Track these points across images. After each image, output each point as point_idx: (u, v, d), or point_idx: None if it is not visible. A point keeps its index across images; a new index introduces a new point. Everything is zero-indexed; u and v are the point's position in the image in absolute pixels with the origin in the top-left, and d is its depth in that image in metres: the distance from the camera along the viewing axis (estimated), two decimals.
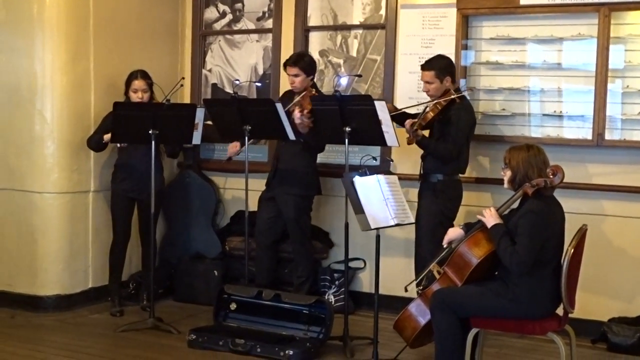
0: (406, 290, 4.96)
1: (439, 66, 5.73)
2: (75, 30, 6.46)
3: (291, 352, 5.30)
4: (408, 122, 5.64)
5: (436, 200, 5.78)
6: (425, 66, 5.77)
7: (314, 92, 6.05)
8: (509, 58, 6.19)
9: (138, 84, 6.35)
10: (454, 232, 4.74)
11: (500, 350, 5.63)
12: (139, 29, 7.02)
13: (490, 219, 4.50)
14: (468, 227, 4.69)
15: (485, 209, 4.58)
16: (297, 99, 6.03)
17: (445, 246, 4.73)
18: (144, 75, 6.40)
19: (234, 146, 6.38)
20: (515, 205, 4.56)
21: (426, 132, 5.81)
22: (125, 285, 6.82)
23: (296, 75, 6.13)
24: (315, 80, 6.34)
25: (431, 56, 5.86)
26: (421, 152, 5.85)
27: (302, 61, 6.16)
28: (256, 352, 5.40)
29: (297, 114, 5.86)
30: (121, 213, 6.51)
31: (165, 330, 5.95)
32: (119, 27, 6.79)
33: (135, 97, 6.33)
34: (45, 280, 6.45)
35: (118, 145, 6.38)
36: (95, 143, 6.36)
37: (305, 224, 6.45)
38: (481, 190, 6.22)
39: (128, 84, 6.39)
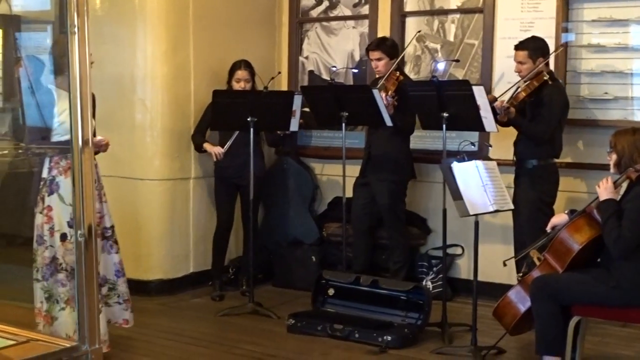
0: (505, 265, 4.94)
1: (532, 46, 5.66)
2: (175, 21, 6.58)
3: (389, 338, 5.31)
4: (498, 102, 5.59)
5: (533, 186, 5.70)
6: (519, 46, 5.71)
7: (398, 75, 6.06)
8: (611, 40, 6.03)
9: (241, 73, 6.45)
10: (558, 218, 4.67)
11: (603, 339, 5.52)
12: (237, 17, 7.11)
13: (604, 192, 4.39)
14: (573, 214, 4.61)
15: (603, 179, 4.47)
16: (381, 82, 6.04)
17: (549, 231, 4.66)
18: (247, 65, 6.50)
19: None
20: (623, 189, 4.46)
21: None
22: (225, 270, 6.94)
23: (379, 59, 6.16)
24: (411, 65, 6.31)
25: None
26: (514, 138, 5.79)
27: (384, 44, 6.18)
28: (354, 338, 5.43)
29: (382, 95, 5.88)
30: (224, 199, 6.64)
31: (264, 315, 6.04)
32: (217, 16, 6.90)
33: (237, 86, 6.44)
34: (149, 265, 6.61)
35: (222, 151, 6.47)
36: (196, 146, 6.55)
37: (400, 210, 6.44)
38: (573, 175, 6.10)
39: (231, 73, 6.50)
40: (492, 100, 5.70)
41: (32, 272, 4.87)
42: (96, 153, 4.86)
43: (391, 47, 6.21)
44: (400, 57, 6.29)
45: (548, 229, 4.68)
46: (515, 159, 5.85)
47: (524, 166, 5.77)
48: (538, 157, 5.70)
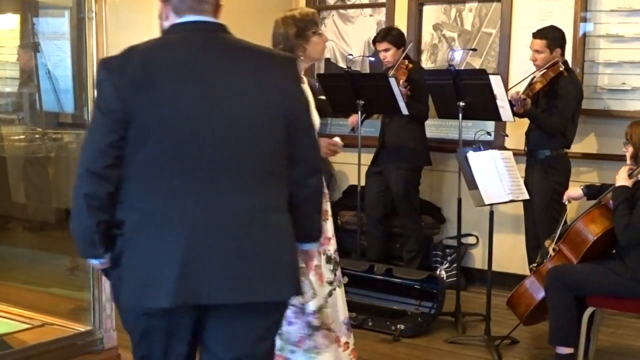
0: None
1: (551, 36, 5.62)
2: None
3: (403, 327, 5.32)
4: (513, 92, 5.57)
5: (546, 177, 5.67)
6: (537, 35, 5.65)
7: (407, 63, 6.06)
8: (631, 30, 5.98)
9: None
10: (574, 191, 4.72)
11: (617, 330, 5.50)
12: (253, 5, 7.09)
13: (619, 178, 4.40)
14: (589, 190, 4.64)
15: (622, 167, 4.48)
16: (391, 72, 6.04)
17: (565, 203, 4.79)
18: None
19: (353, 118, 6.37)
20: None
21: None
22: None
23: (386, 50, 6.16)
24: (428, 54, 6.28)
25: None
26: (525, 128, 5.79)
27: (390, 35, 6.18)
28: (368, 326, 5.43)
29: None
30: None
31: None
32: (233, 4, 6.81)
33: None
34: None
35: None
36: None
37: (414, 198, 6.43)
38: (588, 166, 6.09)
39: None
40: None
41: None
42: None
43: (397, 37, 6.20)
44: (408, 47, 6.26)
45: (564, 201, 4.80)
46: (526, 149, 5.83)
47: (535, 156, 5.74)
48: (550, 147, 5.67)
